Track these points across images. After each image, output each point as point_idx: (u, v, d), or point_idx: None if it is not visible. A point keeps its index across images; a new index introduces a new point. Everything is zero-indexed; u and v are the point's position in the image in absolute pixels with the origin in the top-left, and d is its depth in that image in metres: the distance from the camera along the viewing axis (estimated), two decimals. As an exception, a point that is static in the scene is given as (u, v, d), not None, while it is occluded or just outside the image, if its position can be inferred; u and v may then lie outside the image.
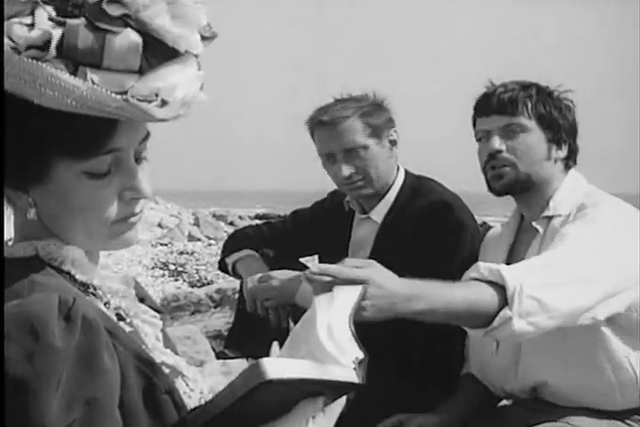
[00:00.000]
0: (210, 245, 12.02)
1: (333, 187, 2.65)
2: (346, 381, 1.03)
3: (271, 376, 0.93)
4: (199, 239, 13.27)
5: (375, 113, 2.43)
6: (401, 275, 2.37)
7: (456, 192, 2.51)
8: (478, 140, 2.12)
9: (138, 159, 1.07)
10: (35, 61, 0.94)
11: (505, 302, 1.65)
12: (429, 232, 2.36)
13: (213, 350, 4.28)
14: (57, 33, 0.95)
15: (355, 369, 1.07)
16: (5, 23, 0.95)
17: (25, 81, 0.94)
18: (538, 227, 2.03)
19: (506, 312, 1.64)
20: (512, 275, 1.67)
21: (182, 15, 1.01)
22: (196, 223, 14.86)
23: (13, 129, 0.98)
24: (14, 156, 0.99)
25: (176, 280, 8.48)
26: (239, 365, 3.72)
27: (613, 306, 1.81)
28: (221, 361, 4.01)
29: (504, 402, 2.21)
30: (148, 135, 1.08)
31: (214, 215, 17.33)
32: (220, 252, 2.77)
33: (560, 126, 2.06)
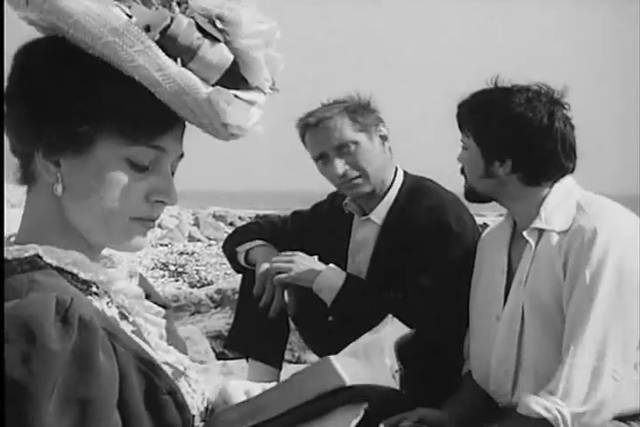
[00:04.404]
0: (210, 245, 12.02)
1: (334, 188, 2.65)
2: (393, 387, 1.09)
3: (348, 383, 0.95)
4: (199, 240, 13.27)
5: (361, 111, 2.46)
6: (402, 275, 2.39)
7: (456, 193, 2.51)
8: None
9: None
10: (140, 30, 0.97)
11: None
12: (430, 234, 2.36)
13: (213, 350, 4.28)
14: (166, 20, 0.99)
15: (394, 377, 1.14)
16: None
17: (123, 44, 0.97)
18: (529, 239, 1.99)
19: None
20: (547, 405, 1.79)
21: (269, 59, 1.07)
22: (196, 224, 14.87)
23: (74, 89, 1.00)
24: (63, 119, 1.01)
25: (176, 281, 8.48)
26: (239, 365, 3.73)
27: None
28: (221, 362, 4.03)
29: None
30: (182, 155, 1.11)
31: (214, 216, 17.33)
32: (219, 252, 2.77)
33: (499, 141, 1.99)
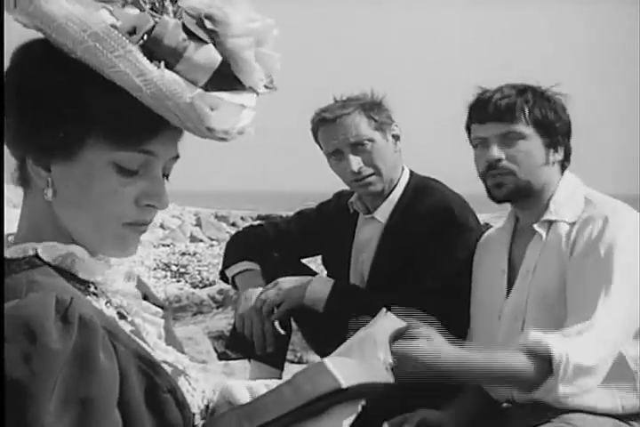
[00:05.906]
0: (212, 246, 12.03)
1: (336, 188, 2.65)
2: (387, 382, 1.12)
3: (345, 385, 0.96)
4: (201, 240, 13.27)
5: (376, 108, 2.46)
6: (404, 275, 2.39)
7: (459, 193, 2.51)
8: (474, 146, 2.09)
9: (163, 175, 1.09)
10: (120, 35, 0.96)
11: (550, 370, 1.74)
12: (433, 234, 2.36)
13: (215, 350, 4.29)
14: (150, 22, 0.98)
15: (387, 371, 1.17)
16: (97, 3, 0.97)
17: (103, 49, 0.96)
18: (540, 230, 2.00)
19: (552, 382, 1.74)
20: (558, 345, 1.75)
21: (262, 58, 1.05)
22: (198, 224, 14.87)
23: (62, 93, 0.99)
24: (51, 123, 1.00)
25: (178, 281, 8.49)
26: (241, 365, 3.73)
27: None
28: (223, 362, 4.03)
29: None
30: (177, 156, 1.09)
31: (216, 216, 17.33)
32: (221, 253, 2.77)
33: (556, 129, 2.03)
